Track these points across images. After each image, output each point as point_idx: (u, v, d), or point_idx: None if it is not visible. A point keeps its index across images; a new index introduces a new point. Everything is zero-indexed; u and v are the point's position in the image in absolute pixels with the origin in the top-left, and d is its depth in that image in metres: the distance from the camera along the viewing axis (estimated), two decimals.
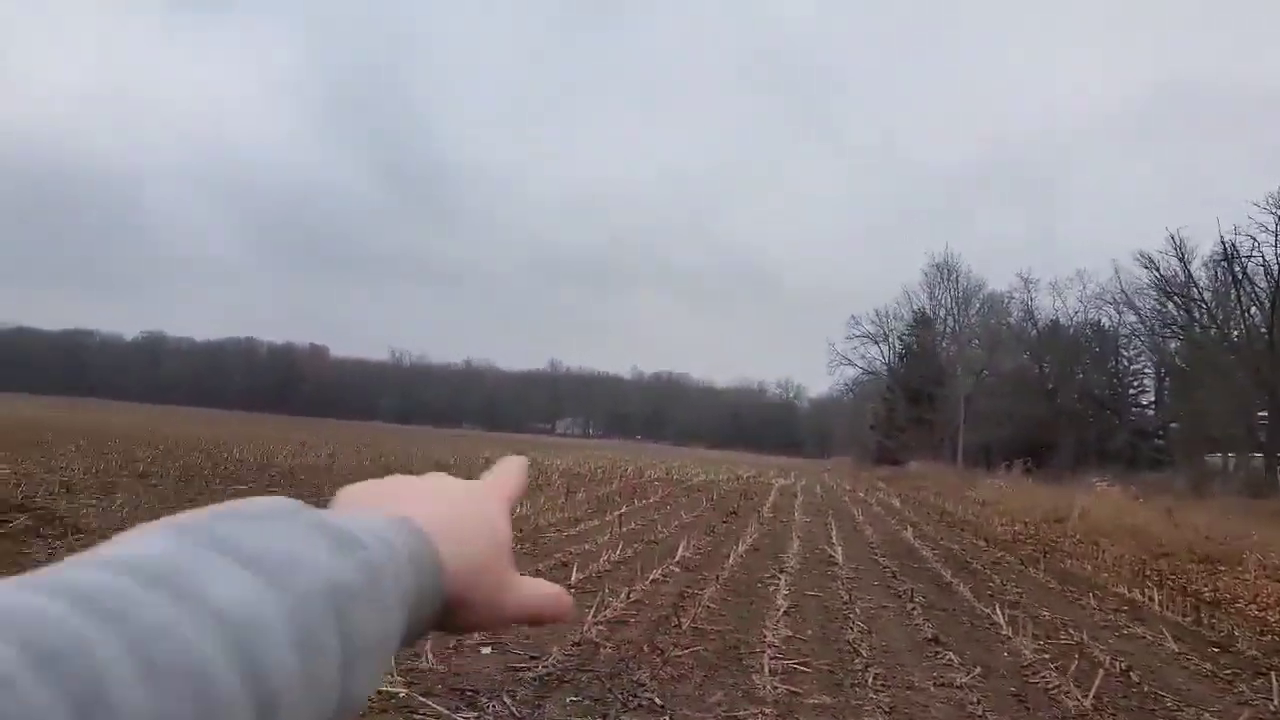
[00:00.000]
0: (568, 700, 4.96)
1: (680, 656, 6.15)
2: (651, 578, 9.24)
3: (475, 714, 4.51)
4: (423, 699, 4.60)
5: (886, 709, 5.33)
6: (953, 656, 6.74)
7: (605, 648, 6.20)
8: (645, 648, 6.29)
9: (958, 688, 5.94)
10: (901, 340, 70.96)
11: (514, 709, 4.71)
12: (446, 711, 4.44)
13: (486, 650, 5.86)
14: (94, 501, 11.88)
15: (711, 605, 8.06)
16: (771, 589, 9.25)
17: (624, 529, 13.65)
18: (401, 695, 4.70)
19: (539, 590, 0.61)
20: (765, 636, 6.88)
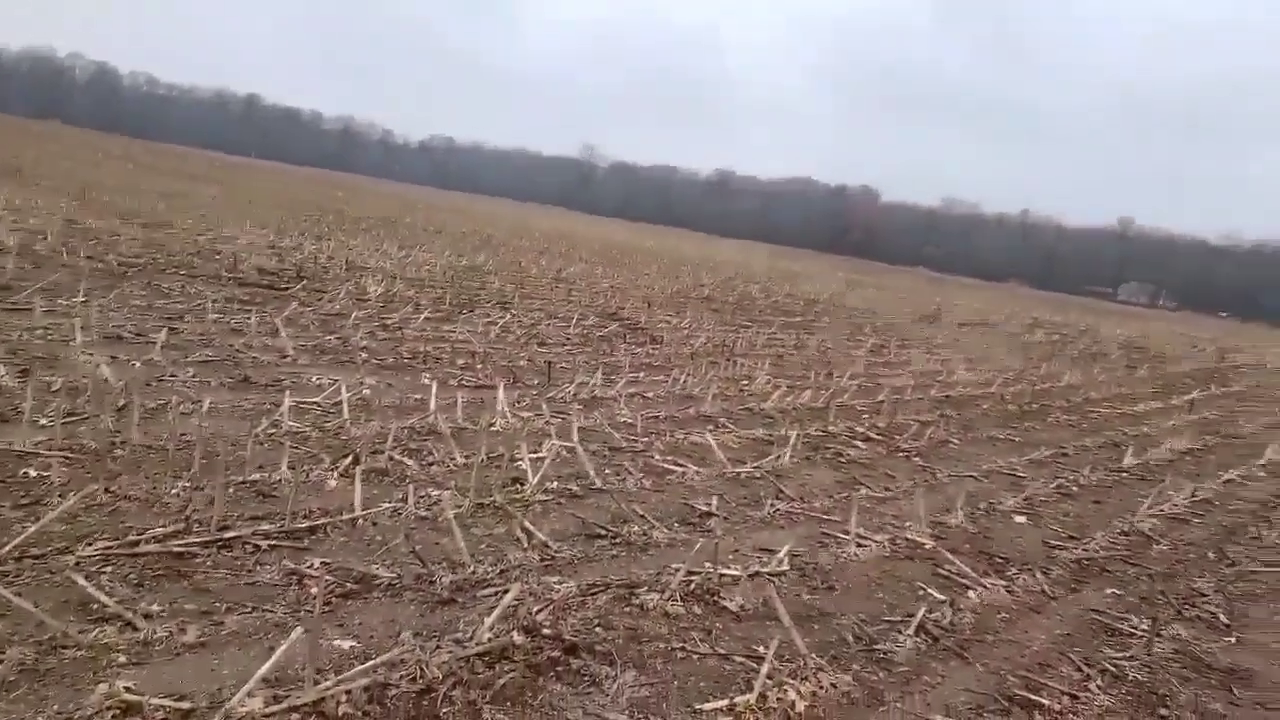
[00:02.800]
0: (1107, 591, 4.54)
1: (1257, 572, 5.23)
2: (1226, 478, 7.93)
3: (1003, 583, 4.35)
4: (950, 555, 4.56)
5: None
6: None
7: (1160, 544, 5.51)
8: (1211, 554, 5.46)
9: None
10: None
11: (1046, 587, 4.44)
12: (973, 573, 4.35)
13: (1021, 519, 5.59)
14: (669, 317, 13.72)
15: None
16: None
17: (1195, 417, 11.86)
18: (928, 546, 4.71)
19: None
20: None
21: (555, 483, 4.71)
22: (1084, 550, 5.11)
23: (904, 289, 38.78)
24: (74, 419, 4.48)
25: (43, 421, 4.35)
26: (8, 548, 3.00)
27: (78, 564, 3.01)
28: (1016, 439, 8.36)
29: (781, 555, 4.10)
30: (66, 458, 3.95)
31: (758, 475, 5.63)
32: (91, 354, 5.80)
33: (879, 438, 7.35)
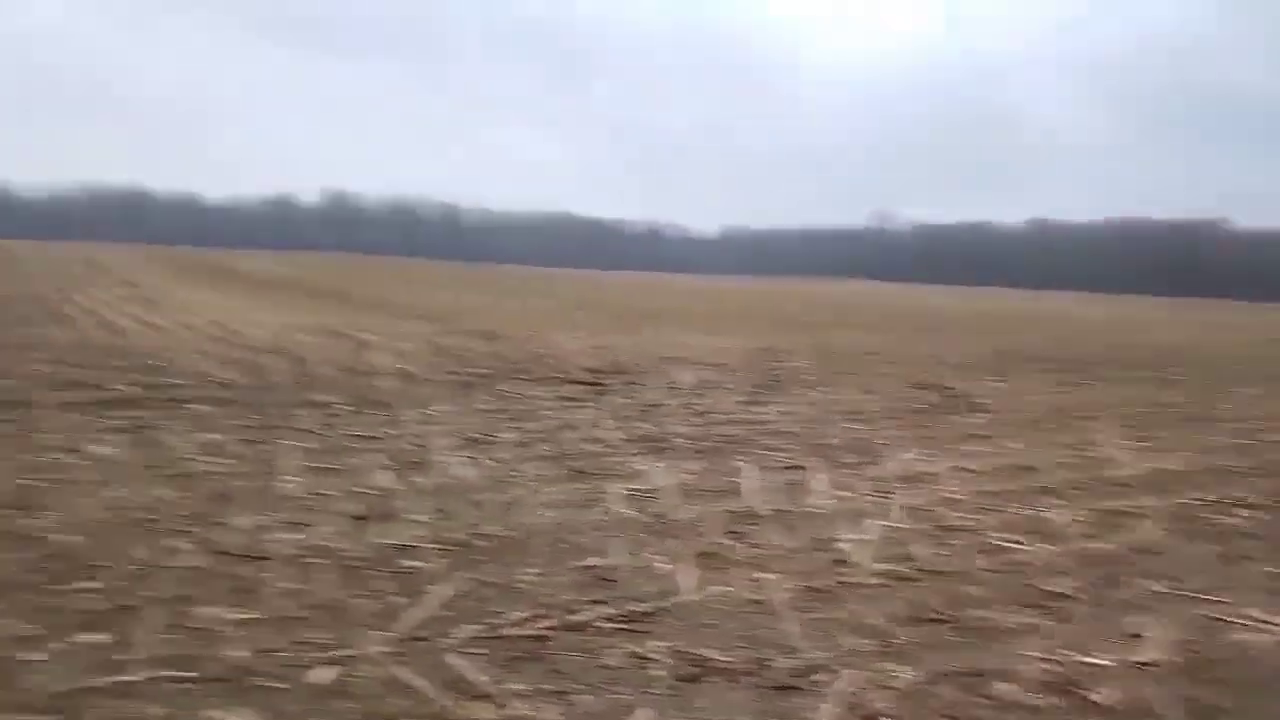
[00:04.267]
0: None
1: None
2: None
3: None
4: None
5: None
6: None
7: None
8: None
9: None
10: None
11: None
12: None
13: None
14: (994, 381, 12.88)
15: None
16: None
17: None
18: None
19: None
20: None
21: (883, 564, 4.55)
22: None
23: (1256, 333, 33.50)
24: (442, 515, 5.07)
25: (417, 518, 4.99)
26: (399, 632, 3.43)
27: (453, 647, 3.37)
28: None
29: (1154, 641, 3.62)
30: (439, 550, 4.47)
31: (1115, 551, 5.05)
32: (452, 456, 6.57)
33: (1270, 504, 6.31)
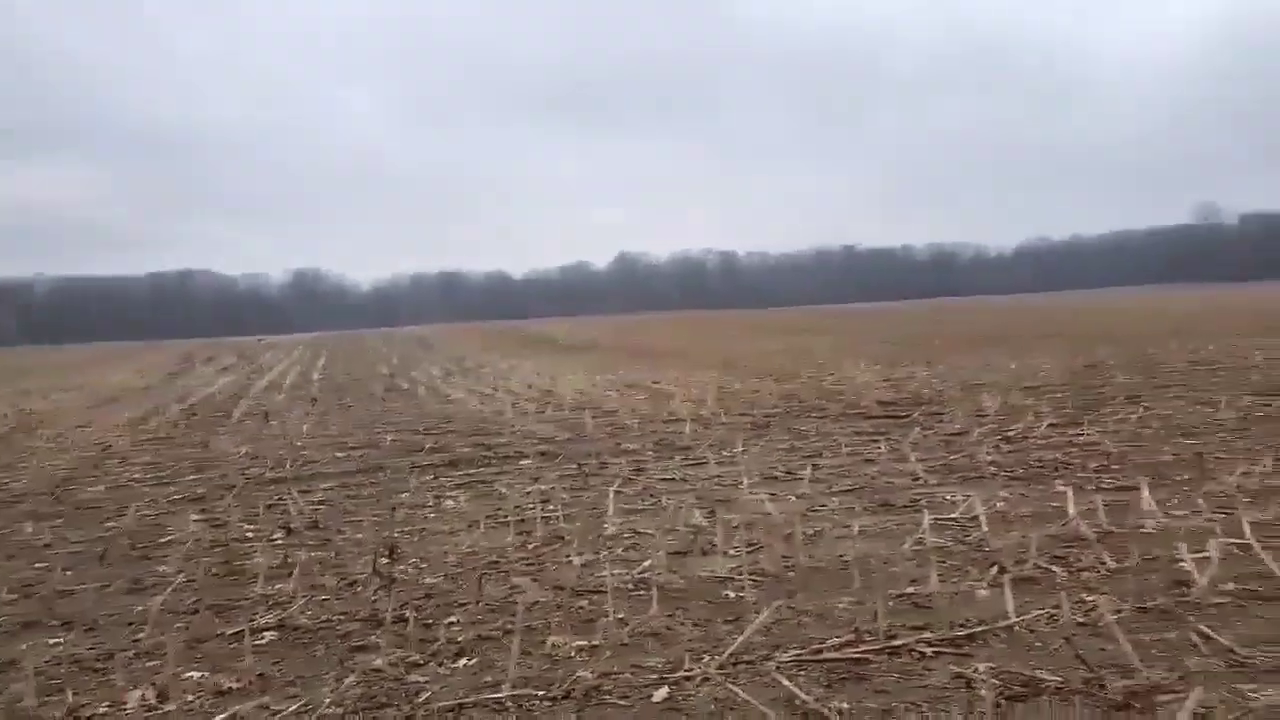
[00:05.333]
0: None
1: None
2: None
3: None
4: None
5: None
6: None
7: None
8: None
9: None
10: None
11: None
12: None
13: None
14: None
15: None
16: None
17: None
18: None
19: None
20: None
21: (1231, 584, 4.14)
22: None
23: None
24: (753, 548, 5.31)
25: (730, 551, 5.26)
26: (726, 655, 3.69)
27: (777, 668, 3.56)
28: None
29: None
30: (754, 580, 4.70)
31: None
32: (756, 493, 6.82)
33: None
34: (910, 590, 4.40)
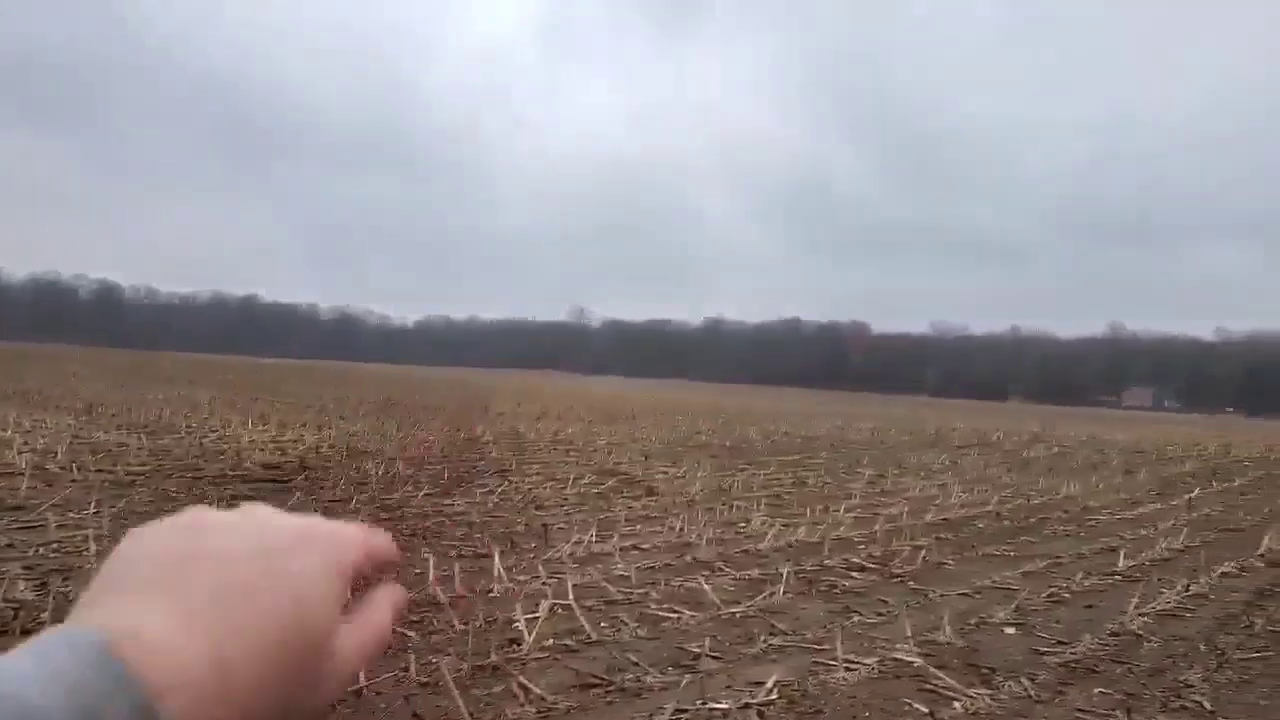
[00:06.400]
0: (1095, 692, 4.66)
1: (1246, 660, 5.33)
2: (1222, 570, 8.04)
3: (990, 692, 4.49)
4: (936, 671, 4.71)
5: None
6: None
7: (1150, 642, 5.63)
8: (1202, 647, 5.58)
9: None
10: None
11: (1032, 691, 4.58)
12: (959, 686, 4.50)
13: (1010, 630, 5.73)
14: (666, 467, 14.00)
15: None
16: None
17: (1194, 515, 11.96)
18: (916, 665, 4.86)
19: (364, 640, 0.52)
20: None
21: (551, 640, 4.91)
22: (1072, 653, 5.24)
23: (901, 418, 39.14)
24: None
25: None
26: None
27: None
28: (1012, 554, 8.50)
29: (770, 685, 4.27)
30: None
31: (751, 614, 5.80)
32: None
33: (874, 566, 7.51)
34: None
